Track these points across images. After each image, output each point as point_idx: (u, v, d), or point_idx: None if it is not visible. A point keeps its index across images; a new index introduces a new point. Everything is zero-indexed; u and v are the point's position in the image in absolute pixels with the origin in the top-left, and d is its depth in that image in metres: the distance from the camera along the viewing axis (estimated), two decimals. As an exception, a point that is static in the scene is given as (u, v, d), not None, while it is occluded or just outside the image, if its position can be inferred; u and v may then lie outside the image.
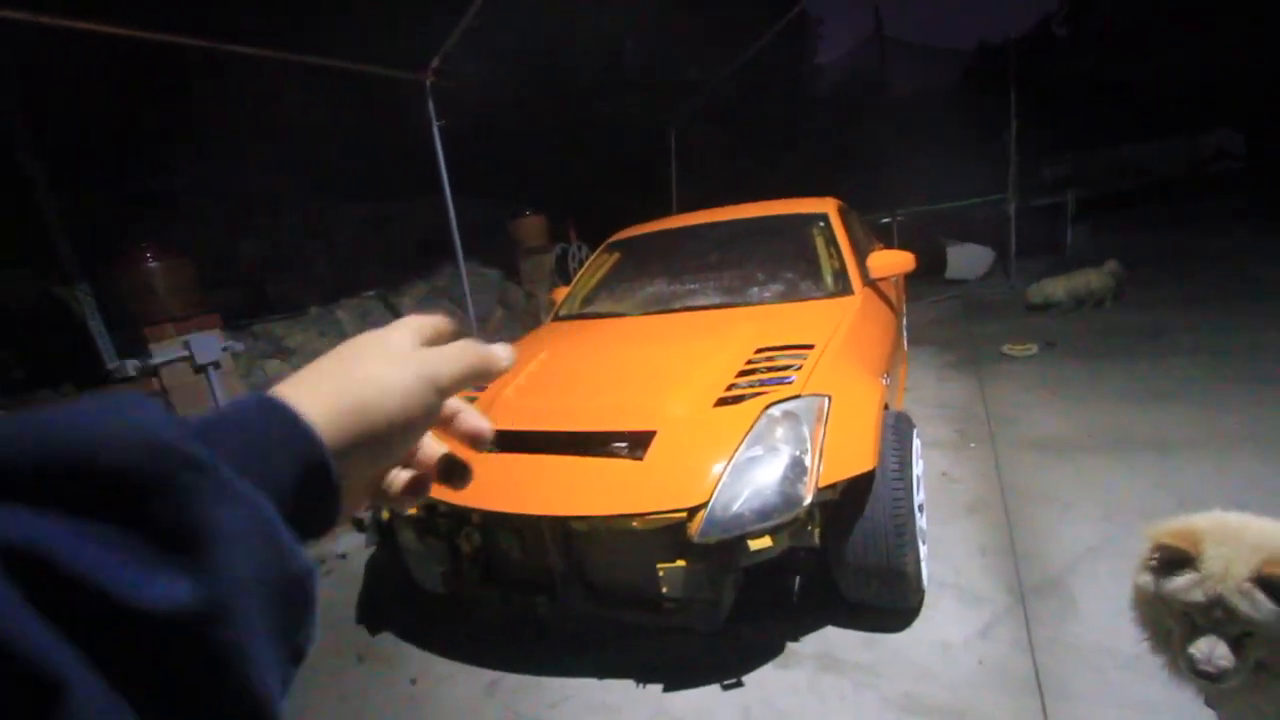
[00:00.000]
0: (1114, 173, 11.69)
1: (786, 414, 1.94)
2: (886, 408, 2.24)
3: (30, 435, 0.26)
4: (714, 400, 2.07)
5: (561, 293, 3.70)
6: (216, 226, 4.91)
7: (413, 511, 2.18)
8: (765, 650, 2.12)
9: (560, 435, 2.10)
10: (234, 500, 0.28)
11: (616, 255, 3.73)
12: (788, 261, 3.10)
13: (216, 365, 3.18)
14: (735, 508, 1.75)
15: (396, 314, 5.28)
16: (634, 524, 1.78)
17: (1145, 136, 12.54)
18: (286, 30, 3.84)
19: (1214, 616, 1.13)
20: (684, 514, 1.77)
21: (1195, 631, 1.16)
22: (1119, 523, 2.51)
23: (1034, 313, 6.23)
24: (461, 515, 2.08)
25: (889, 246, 5.60)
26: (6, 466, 0.25)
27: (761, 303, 2.89)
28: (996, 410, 3.89)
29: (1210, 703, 1.29)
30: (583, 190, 8.03)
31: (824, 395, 2.00)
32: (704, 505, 1.77)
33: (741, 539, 1.74)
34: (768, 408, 1.96)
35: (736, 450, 1.86)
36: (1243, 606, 1.10)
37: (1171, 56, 13.71)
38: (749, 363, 2.24)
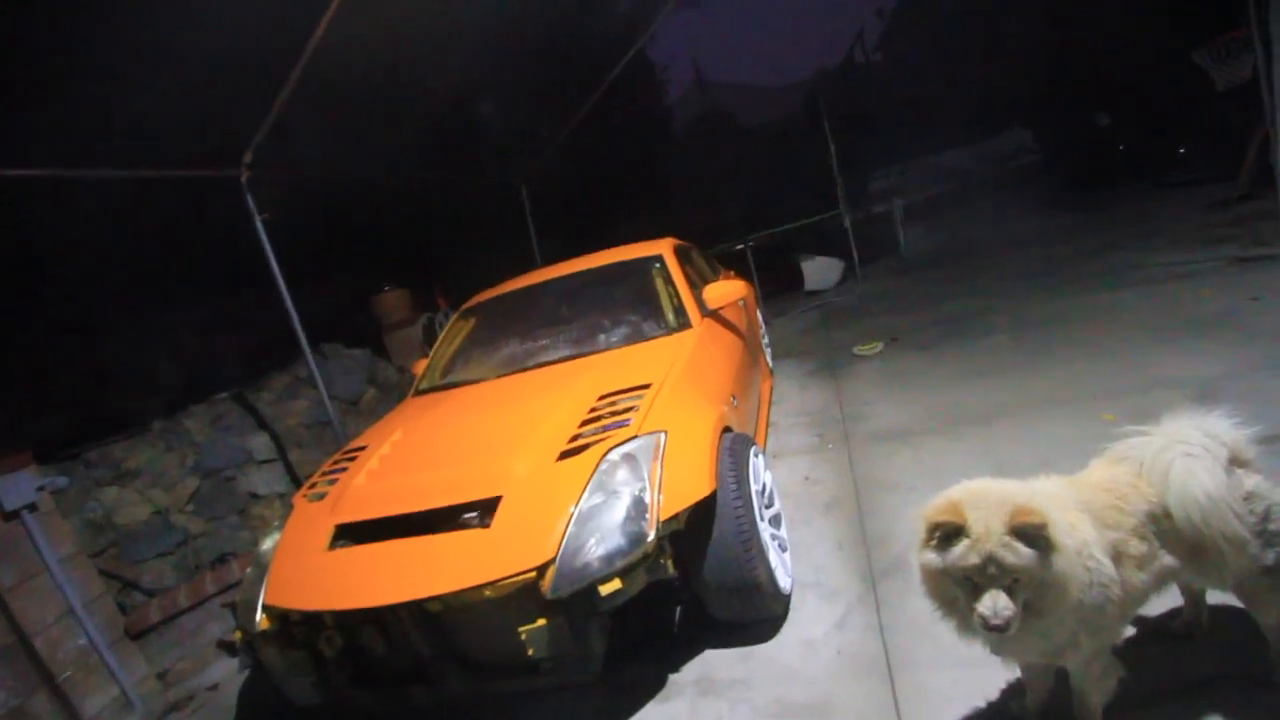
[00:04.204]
0: (934, 178, 13.17)
1: (626, 456, 2.04)
2: (728, 430, 2.39)
3: None
4: (558, 454, 2.13)
5: (421, 366, 3.67)
6: (30, 349, 4.47)
7: (264, 625, 2.08)
8: (647, 687, 2.16)
9: (411, 517, 2.08)
10: None
11: (472, 321, 3.76)
12: (629, 305, 3.26)
13: (33, 508, 2.86)
14: (582, 557, 1.81)
15: (256, 412, 4.97)
16: (486, 593, 1.79)
17: (956, 143, 14.20)
18: (86, 148, 3.64)
19: (989, 573, 1.30)
20: (534, 573, 1.80)
21: (977, 591, 1.33)
22: (949, 496, 2.79)
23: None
24: (316, 621, 1.99)
25: (742, 274, 5.99)
26: None
27: (608, 349, 3.01)
28: (850, 409, 4.21)
29: (996, 650, 1.48)
30: (450, 255, 7.98)
31: (660, 431, 2.12)
32: (552, 560, 1.81)
33: (592, 586, 1.79)
34: (607, 453, 2.04)
35: (579, 500, 1.92)
36: (1009, 558, 1.27)
37: (965, 71, 15.80)
38: (592, 410, 2.33)
